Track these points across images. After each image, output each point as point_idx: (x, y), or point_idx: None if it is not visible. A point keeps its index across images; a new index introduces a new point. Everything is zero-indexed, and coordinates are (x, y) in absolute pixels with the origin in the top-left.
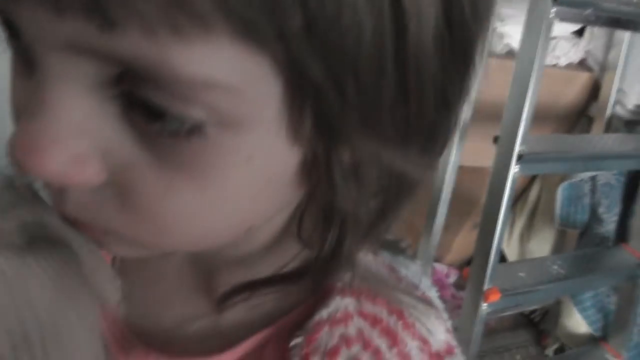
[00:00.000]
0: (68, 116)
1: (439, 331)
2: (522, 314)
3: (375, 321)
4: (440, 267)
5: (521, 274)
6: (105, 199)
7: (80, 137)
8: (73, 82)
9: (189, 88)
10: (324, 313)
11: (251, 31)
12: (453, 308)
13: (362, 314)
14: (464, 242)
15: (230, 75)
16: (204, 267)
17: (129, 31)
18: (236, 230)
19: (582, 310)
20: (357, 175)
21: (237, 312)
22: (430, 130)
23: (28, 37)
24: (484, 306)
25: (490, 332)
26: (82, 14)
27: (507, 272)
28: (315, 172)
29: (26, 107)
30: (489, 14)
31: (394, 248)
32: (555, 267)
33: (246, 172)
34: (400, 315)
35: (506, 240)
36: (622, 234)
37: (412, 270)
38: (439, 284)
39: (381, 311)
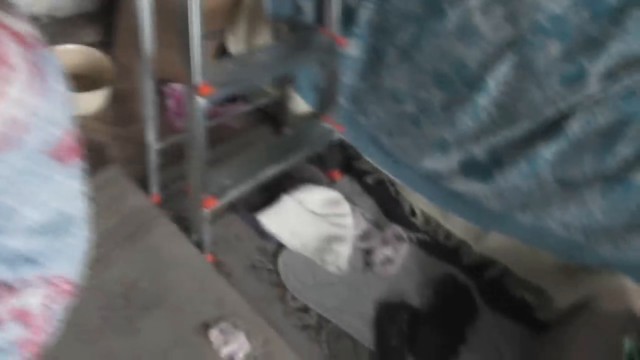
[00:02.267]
0: None
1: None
2: (261, 111)
3: None
4: (178, 86)
5: (231, 67)
6: None
7: None
8: None
9: None
10: None
11: None
12: None
13: None
14: None
15: None
16: None
17: None
18: None
19: (301, 93)
20: None
21: None
22: None
23: None
24: (200, 99)
25: (236, 132)
26: None
27: (216, 68)
28: None
29: None
30: None
31: None
32: (261, 55)
33: None
34: None
35: (234, 43)
36: (320, 19)
37: None
38: (182, 101)
39: None
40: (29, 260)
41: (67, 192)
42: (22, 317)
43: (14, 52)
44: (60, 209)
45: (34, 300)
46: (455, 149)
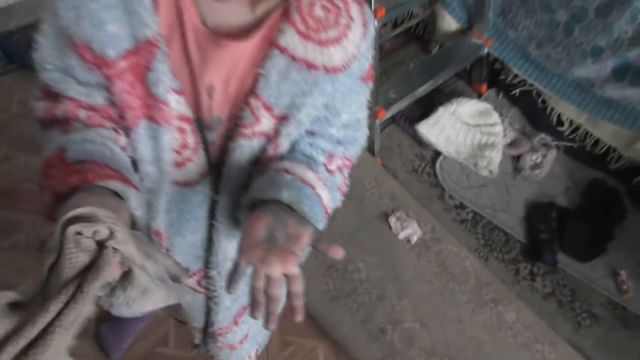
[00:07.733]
0: None
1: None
2: (409, 33)
3: None
4: None
5: None
6: None
7: None
8: None
9: None
10: None
11: None
12: None
13: None
14: None
15: None
16: None
17: None
18: None
19: (451, 11)
20: None
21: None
22: None
23: None
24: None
25: (388, 52)
26: None
27: None
28: None
29: None
30: None
31: None
32: None
33: None
34: None
35: None
36: None
37: None
38: None
39: None
40: (340, 142)
41: (362, 103)
42: (340, 170)
43: (354, 8)
44: (356, 114)
45: (338, 163)
46: (609, 55)
